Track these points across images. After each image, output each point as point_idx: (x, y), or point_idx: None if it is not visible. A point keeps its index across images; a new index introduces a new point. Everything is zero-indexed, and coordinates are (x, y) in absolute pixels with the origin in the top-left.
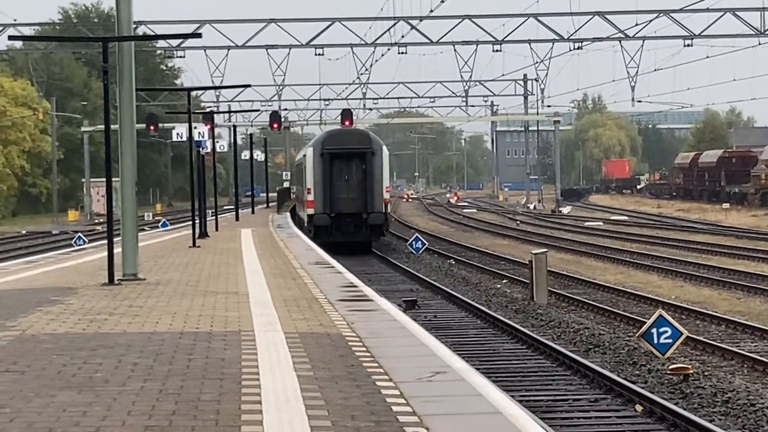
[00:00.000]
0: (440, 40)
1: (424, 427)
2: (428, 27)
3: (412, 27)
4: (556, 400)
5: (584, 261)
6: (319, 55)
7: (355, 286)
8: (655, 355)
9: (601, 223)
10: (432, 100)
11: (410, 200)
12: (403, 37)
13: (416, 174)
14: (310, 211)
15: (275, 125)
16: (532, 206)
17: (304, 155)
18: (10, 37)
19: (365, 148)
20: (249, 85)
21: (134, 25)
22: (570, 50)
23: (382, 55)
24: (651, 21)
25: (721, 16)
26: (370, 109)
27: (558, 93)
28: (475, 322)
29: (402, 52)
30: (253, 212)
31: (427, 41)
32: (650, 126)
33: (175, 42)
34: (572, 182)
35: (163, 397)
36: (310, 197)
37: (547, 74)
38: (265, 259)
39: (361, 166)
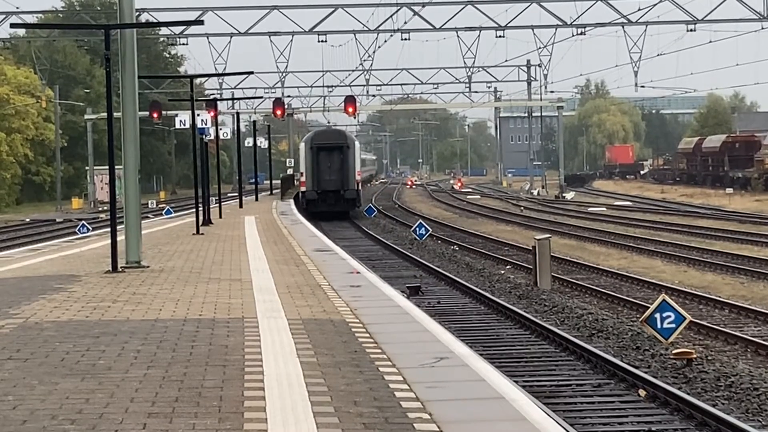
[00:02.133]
0: (443, 26)
1: (427, 412)
2: (431, 13)
3: (415, 13)
4: (560, 385)
5: (588, 246)
6: (322, 41)
7: (359, 272)
8: (658, 339)
9: (604, 209)
10: (435, 86)
11: (414, 187)
12: (405, 23)
13: (420, 160)
14: (303, 189)
15: (278, 112)
16: (535, 192)
17: (300, 147)
18: (13, 25)
19: (342, 143)
20: (252, 72)
21: (136, 13)
22: (573, 35)
23: (385, 41)
24: (654, 6)
25: (724, 1)
26: (374, 96)
27: (561, 78)
28: (479, 308)
29: (405, 39)
30: (256, 199)
31: (430, 27)
32: (653, 111)
33: (177, 29)
34: (576, 168)
35: (166, 384)
36: (303, 179)
37: (550, 60)
38: (268, 246)
39: (339, 156)
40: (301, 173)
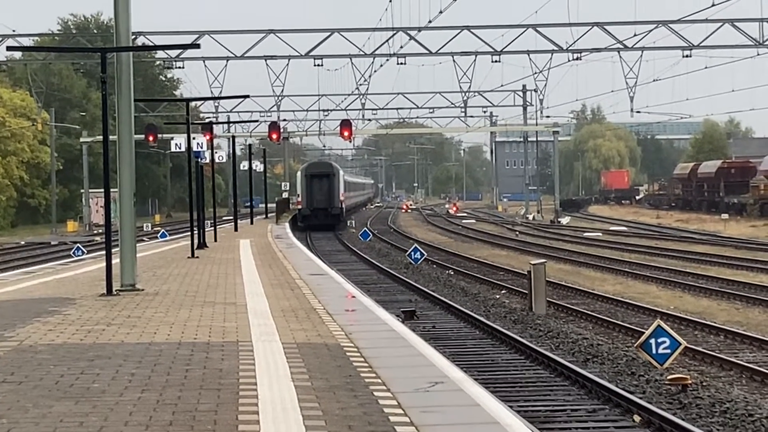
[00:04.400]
0: (439, 51)
1: None
2: (427, 38)
3: (411, 38)
4: (555, 411)
5: (583, 271)
6: (318, 65)
7: (354, 297)
8: (653, 365)
9: (600, 234)
10: (431, 110)
11: (409, 211)
12: (402, 47)
13: (415, 185)
14: (299, 207)
15: (274, 136)
16: (531, 217)
17: (297, 175)
18: (9, 48)
19: (329, 172)
20: (248, 96)
21: (133, 36)
22: (569, 61)
23: (381, 65)
24: (650, 31)
25: (719, 27)
26: (369, 120)
27: (557, 103)
28: (474, 333)
29: (401, 63)
30: (252, 223)
31: (426, 52)
32: (649, 136)
33: (174, 53)
34: (571, 193)
35: (161, 408)
36: (299, 199)
37: (546, 85)
38: (263, 270)
39: (327, 182)
40: (298, 195)
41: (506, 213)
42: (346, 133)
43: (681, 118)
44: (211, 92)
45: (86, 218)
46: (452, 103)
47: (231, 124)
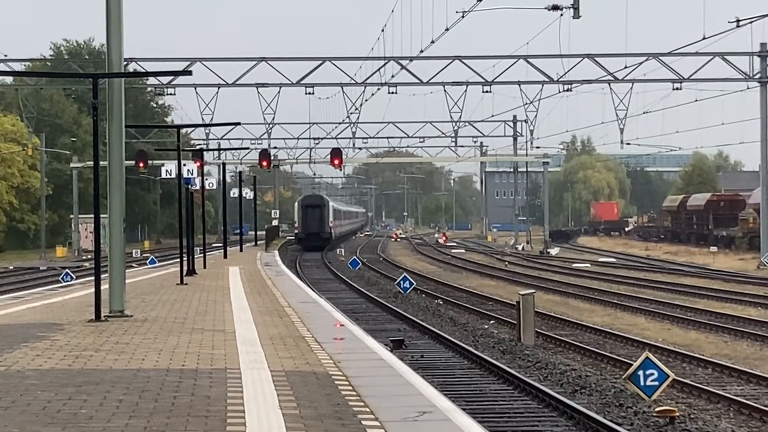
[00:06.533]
0: (430, 81)
1: None
2: (418, 67)
3: (403, 67)
4: None
5: (572, 302)
6: (310, 93)
7: (343, 325)
8: (641, 397)
9: (589, 265)
10: (421, 140)
11: (399, 240)
12: (393, 76)
13: (405, 214)
14: (296, 231)
15: (265, 163)
16: (520, 247)
17: (294, 205)
18: (0, 73)
19: (320, 203)
20: (239, 123)
21: (125, 62)
22: (559, 92)
23: (372, 94)
24: (640, 64)
25: (710, 60)
26: (360, 148)
27: (547, 134)
28: (462, 363)
29: (392, 92)
30: (241, 250)
31: (418, 81)
32: (639, 168)
33: (165, 79)
34: (561, 224)
35: None
36: (297, 225)
37: (536, 115)
38: (252, 297)
39: (319, 212)
40: (295, 221)
41: (496, 243)
42: (336, 162)
43: (671, 151)
44: (202, 119)
45: (75, 244)
46: (443, 133)
47: (222, 152)
